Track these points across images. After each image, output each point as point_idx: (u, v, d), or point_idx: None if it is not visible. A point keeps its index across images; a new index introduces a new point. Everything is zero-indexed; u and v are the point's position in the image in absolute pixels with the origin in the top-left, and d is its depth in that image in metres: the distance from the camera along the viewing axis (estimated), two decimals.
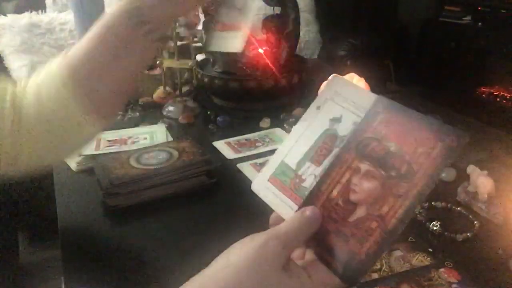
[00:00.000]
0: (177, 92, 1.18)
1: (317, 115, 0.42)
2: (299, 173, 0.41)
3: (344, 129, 0.39)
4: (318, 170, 0.39)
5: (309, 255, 0.37)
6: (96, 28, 0.53)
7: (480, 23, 2.79)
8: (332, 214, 0.36)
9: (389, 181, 0.34)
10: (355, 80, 0.81)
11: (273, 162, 0.43)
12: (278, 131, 1.03)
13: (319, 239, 0.36)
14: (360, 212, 0.34)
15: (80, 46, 0.54)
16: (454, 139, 0.32)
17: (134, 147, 0.91)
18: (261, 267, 0.32)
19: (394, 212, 0.33)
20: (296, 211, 0.37)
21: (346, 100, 0.40)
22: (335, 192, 0.36)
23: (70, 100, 0.52)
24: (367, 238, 0.33)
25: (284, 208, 0.40)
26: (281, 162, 0.42)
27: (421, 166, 0.33)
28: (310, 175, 0.40)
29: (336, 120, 0.40)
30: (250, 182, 0.43)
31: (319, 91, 0.45)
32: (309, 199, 0.38)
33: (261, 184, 0.42)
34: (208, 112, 1.12)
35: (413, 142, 0.34)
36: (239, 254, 0.33)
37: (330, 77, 0.42)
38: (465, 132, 0.32)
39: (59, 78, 0.52)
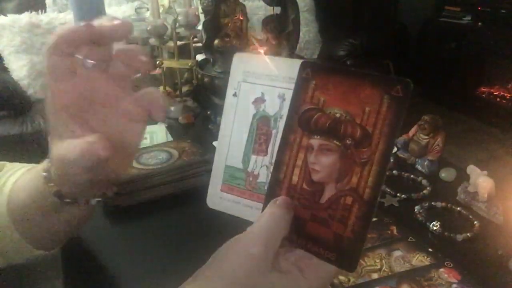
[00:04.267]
0: (177, 92, 1.18)
1: (237, 103, 0.38)
2: (249, 170, 0.38)
3: (272, 106, 0.37)
4: (267, 159, 0.37)
5: (298, 250, 0.35)
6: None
7: (480, 23, 2.79)
8: (301, 201, 0.33)
9: (347, 151, 0.31)
10: None
11: (217, 170, 0.39)
12: None
13: (298, 231, 0.33)
14: (329, 190, 0.32)
15: (17, 194, 0.47)
16: (399, 88, 0.29)
17: None
18: (252, 273, 0.31)
19: (364, 181, 0.31)
20: (263, 208, 0.35)
21: (260, 75, 0.37)
22: (295, 177, 0.33)
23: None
24: (347, 215, 0.31)
25: (251, 212, 0.37)
26: (225, 167, 0.39)
27: (375, 126, 0.30)
28: (262, 168, 0.37)
29: (259, 100, 0.37)
30: None
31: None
32: (271, 193, 0.35)
33: (215, 197, 0.39)
34: (208, 112, 1.12)
35: (357, 102, 0.31)
36: (227, 265, 0.32)
37: (233, 58, 0.39)
38: (407, 79, 0.29)
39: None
